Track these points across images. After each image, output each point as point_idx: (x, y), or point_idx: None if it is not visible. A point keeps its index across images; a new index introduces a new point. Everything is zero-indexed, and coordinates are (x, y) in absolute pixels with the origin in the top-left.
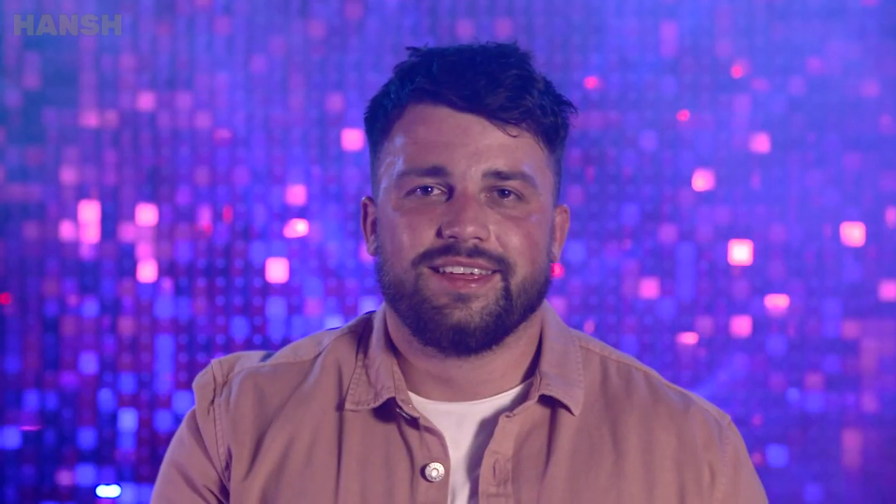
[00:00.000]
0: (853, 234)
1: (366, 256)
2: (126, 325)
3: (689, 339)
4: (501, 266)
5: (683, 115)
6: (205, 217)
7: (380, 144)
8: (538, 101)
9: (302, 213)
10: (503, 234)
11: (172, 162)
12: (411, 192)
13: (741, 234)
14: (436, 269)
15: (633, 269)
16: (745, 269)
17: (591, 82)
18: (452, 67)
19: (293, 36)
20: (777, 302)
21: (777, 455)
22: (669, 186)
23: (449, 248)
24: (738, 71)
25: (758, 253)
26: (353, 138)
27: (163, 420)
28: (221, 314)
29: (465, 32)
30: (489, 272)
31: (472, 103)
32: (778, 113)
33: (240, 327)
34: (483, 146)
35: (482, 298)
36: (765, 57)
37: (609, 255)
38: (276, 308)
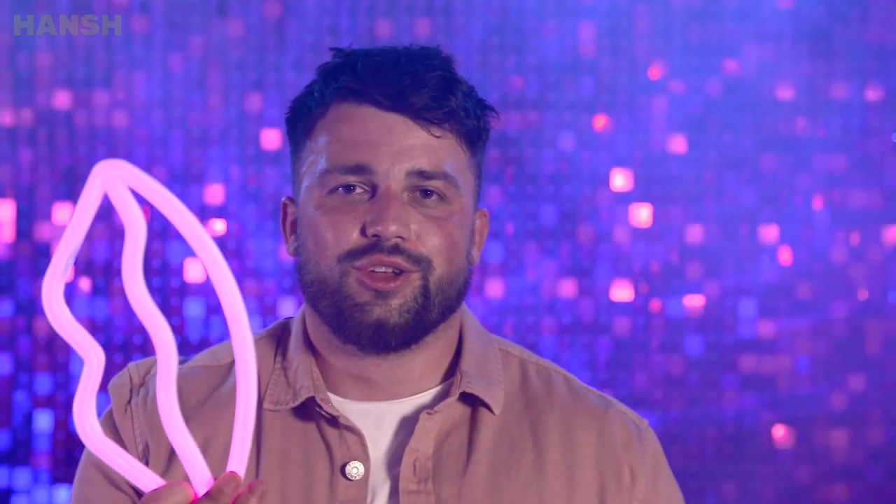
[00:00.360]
0: (769, 234)
1: (284, 256)
2: (41, 326)
3: (606, 339)
4: (420, 265)
5: (601, 116)
6: None
7: (302, 144)
8: (462, 103)
9: (220, 212)
10: (424, 233)
11: (89, 161)
12: (334, 190)
13: (659, 235)
14: (358, 268)
15: (552, 269)
16: (662, 269)
17: (510, 83)
18: (377, 67)
19: (211, 35)
20: (694, 302)
21: (694, 455)
22: (588, 187)
23: (372, 247)
24: (655, 72)
25: (675, 253)
26: (272, 138)
27: None
28: None
29: (385, 32)
30: (408, 271)
31: (397, 102)
32: (694, 114)
33: None
34: (407, 145)
35: (400, 296)
36: (681, 58)
37: (527, 256)
38: (194, 308)
